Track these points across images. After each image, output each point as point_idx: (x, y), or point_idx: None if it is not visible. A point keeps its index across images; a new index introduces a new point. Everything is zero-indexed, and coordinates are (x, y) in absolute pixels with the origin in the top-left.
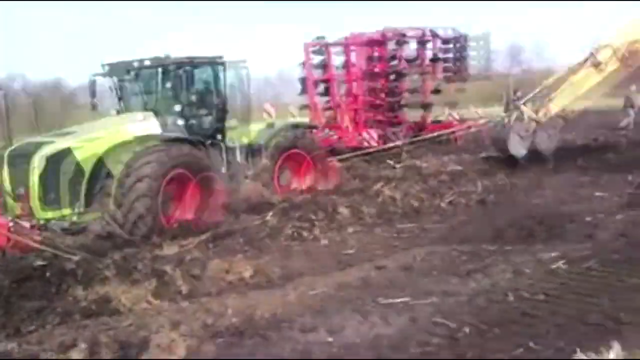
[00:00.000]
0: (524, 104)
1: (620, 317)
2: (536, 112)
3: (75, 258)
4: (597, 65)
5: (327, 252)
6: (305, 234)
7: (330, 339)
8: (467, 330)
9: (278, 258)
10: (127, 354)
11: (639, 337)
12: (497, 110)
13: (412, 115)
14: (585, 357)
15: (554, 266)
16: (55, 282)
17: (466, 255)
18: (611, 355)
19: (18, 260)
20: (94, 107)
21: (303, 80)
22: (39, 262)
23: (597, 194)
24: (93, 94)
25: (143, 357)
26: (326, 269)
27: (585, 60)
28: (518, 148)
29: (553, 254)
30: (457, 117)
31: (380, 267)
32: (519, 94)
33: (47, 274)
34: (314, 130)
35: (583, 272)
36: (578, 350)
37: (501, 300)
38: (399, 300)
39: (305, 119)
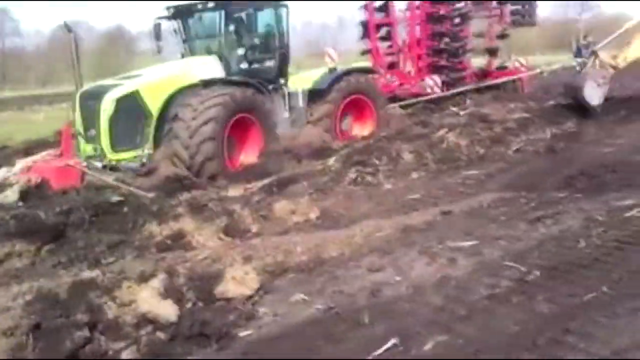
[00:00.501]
0: (600, 49)
1: None
2: (614, 57)
3: (150, 195)
4: None
5: (392, 196)
6: (369, 178)
7: (398, 279)
8: (537, 273)
9: (343, 201)
10: (204, 285)
11: None
12: (563, 58)
13: (477, 61)
14: None
15: (627, 214)
16: (131, 217)
17: (535, 202)
18: None
19: (95, 196)
20: (159, 50)
21: (364, 24)
22: (116, 198)
23: None
24: (158, 37)
25: (218, 289)
26: (391, 212)
27: None
28: (594, 96)
29: (627, 202)
30: (524, 63)
31: (446, 212)
32: (589, 38)
33: (124, 210)
34: (376, 76)
35: None
36: None
37: (572, 246)
38: (466, 243)
39: (365, 63)
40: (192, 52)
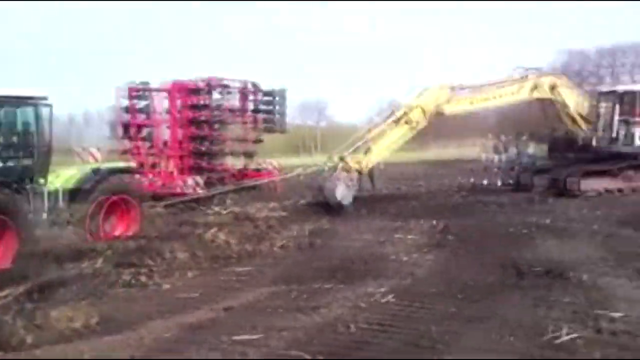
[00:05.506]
0: (347, 155)
1: (446, 340)
2: (358, 163)
3: None
4: (409, 122)
5: (171, 296)
6: (143, 279)
7: None
8: (320, 358)
9: (122, 303)
10: None
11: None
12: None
13: (234, 163)
14: None
15: (384, 300)
16: None
17: (306, 293)
18: None
19: None
20: None
21: (126, 125)
22: None
23: (409, 237)
24: None
25: None
26: (174, 312)
27: (399, 119)
28: (346, 196)
29: (382, 290)
30: (276, 165)
31: (227, 308)
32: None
33: None
34: (138, 175)
35: (409, 304)
36: None
37: (345, 331)
38: (253, 337)
39: (127, 163)
40: None
